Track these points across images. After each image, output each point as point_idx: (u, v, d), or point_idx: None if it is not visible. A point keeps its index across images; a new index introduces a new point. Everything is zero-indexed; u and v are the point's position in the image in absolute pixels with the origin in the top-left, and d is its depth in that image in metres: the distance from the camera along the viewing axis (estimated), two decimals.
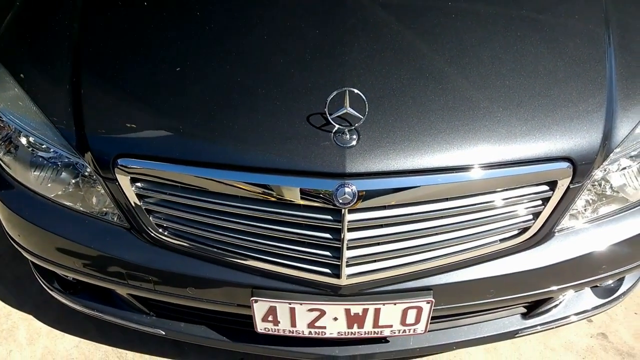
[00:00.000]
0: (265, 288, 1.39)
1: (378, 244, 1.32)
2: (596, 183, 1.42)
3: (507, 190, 1.29)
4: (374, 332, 1.45)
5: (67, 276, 1.70)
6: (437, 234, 1.33)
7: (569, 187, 1.31)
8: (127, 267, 1.44)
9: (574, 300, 1.66)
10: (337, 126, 1.23)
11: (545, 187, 1.31)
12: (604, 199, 1.44)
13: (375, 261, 1.34)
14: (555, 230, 1.41)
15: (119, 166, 1.31)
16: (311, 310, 1.39)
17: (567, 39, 1.46)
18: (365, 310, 1.39)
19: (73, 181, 1.45)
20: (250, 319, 1.45)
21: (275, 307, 1.39)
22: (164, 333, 1.63)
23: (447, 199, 1.28)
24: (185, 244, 1.40)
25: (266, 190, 1.25)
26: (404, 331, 1.45)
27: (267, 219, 1.30)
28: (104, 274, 1.48)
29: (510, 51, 1.41)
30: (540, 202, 1.33)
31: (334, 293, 1.38)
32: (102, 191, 1.42)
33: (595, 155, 1.32)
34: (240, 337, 1.60)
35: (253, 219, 1.31)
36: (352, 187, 1.22)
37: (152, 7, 1.54)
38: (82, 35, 1.51)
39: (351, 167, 1.22)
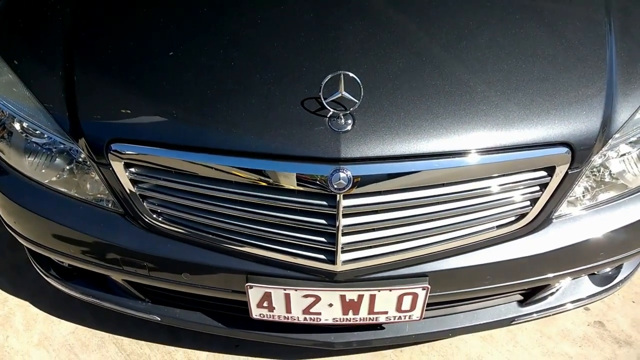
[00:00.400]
0: (260, 274, 1.38)
1: (373, 230, 1.31)
2: (595, 169, 1.41)
3: (504, 175, 1.28)
4: (370, 318, 1.44)
5: (63, 262, 1.70)
6: (433, 220, 1.31)
7: (567, 172, 1.30)
8: (122, 253, 1.44)
9: (571, 287, 1.65)
10: (332, 110, 1.21)
11: (543, 173, 1.30)
12: (602, 185, 1.43)
13: (370, 247, 1.33)
14: (553, 217, 1.40)
15: (112, 151, 1.30)
16: (306, 296, 1.38)
17: (566, 24, 1.44)
18: (361, 297, 1.38)
19: (67, 167, 1.44)
20: (245, 305, 1.44)
21: (270, 293, 1.38)
22: (159, 319, 1.63)
23: (443, 185, 1.26)
24: (179, 230, 1.39)
25: (260, 176, 1.24)
26: (400, 318, 1.45)
27: (262, 205, 1.29)
28: (99, 259, 1.48)
29: (508, 35, 1.39)
30: (537, 188, 1.32)
31: (329, 279, 1.37)
32: (97, 177, 1.41)
33: (594, 140, 1.30)
34: (235, 324, 1.60)
35: (247, 204, 1.30)
36: (347, 172, 1.20)
37: None
38: (75, 21, 1.50)
39: (346, 152, 1.20)
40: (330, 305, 1.41)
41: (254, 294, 1.39)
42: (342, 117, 1.22)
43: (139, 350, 1.83)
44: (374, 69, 1.29)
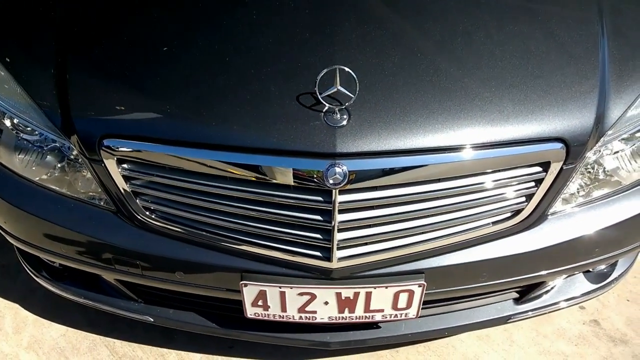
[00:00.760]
0: (255, 272, 1.37)
1: (369, 226, 1.30)
2: (589, 166, 1.41)
3: (499, 171, 1.28)
4: (366, 316, 1.43)
5: (54, 262, 1.67)
6: (429, 216, 1.31)
7: (562, 168, 1.30)
8: (114, 251, 1.42)
9: (567, 285, 1.65)
10: (327, 105, 1.21)
11: (538, 169, 1.30)
12: (597, 182, 1.43)
13: (366, 244, 1.33)
14: (548, 213, 1.40)
15: (104, 147, 1.29)
16: (301, 294, 1.37)
17: (560, 23, 1.44)
18: (357, 294, 1.37)
19: (59, 165, 1.42)
20: (240, 304, 1.43)
21: (265, 291, 1.37)
22: (152, 320, 1.61)
23: (439, 180, 1.26)
24: (173, 227, 1.37)
25: (254, 171, 1.23)
26: (396, 316, 1.43)
27: (256, 201, 1.28)
28: (91, 258, 1.46)
29: (502, 33, 1.39)
30: (533, 183, 1.32)
31: (325, 276, 1.36)
32: (88, 175, 1.39)
33: (588, 136, 1.30)
34: (230, 324, 1.58)
35: (242, 200, 1.29)
36: (342, 167, 1.20)
37: None
38: (67, 17, 1.48)
39: (342, 147, 1.20)
40: (326, 303, 1.39)
41: (249, 292, 1.37)
42: (337, 112, 1.21)
43: (132, 353, 1.80)
44: (369, 64, 1.28)
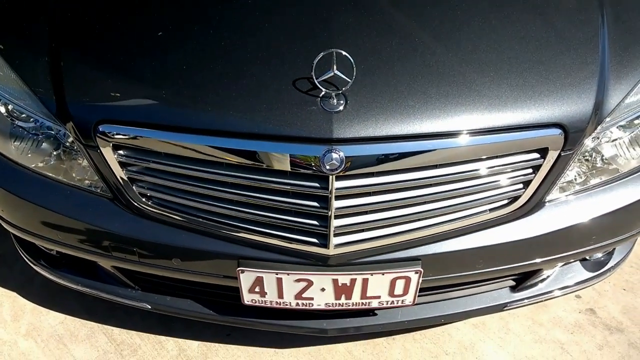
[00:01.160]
0: (251, 258, 1.36)
1: (366, 212, 1.30)
2: (587, 154, 1.41)
3: (497, 157, 1.27)
4: (362, 303, 1.43)
5: (51, 250, 1.67)
6: (426, 202, 1.30)
7: (560, 154, 1.30)
8: (111, 238, 1.41)
9: (564, 273, 1.65)
10: (324, 90, 1.20)
11: (536, 155, 1.29)
12: (594, 170, 1.43)
13: (363, 230, 1.32)
14: (546, 200, 1.40)
15: (100, 133, 1.28)
16: (298, 280, 1.37)
17: (560, 8, 1.43)
18: (353, 281, 1.37)
19: (55, 152, 1.41)
20: (237, 291, 1.43)
21: (262, 277, 1.37)
22: (149, 307, 1.61)
23: (436, 166, 1.25)
24: (169, 214, 1.37)
25: (251, 157, 1.22)
26: (392, 303, 1.44)
27: (253, 187, 1.27)
28: (88, 245, 1.45)
29: (501, 19, 1.38)
30: (530, 170, 1.32)
31: (322, 263, 1.36)
32: (85, 162, 1.38)
33: (586, 123, 1.30)
34: (227, 311, 1.58)
35: (238, 187, 1.28)
36: (339, 153, 1.19)
37: None
38: (60, 2, 1.47)
39: (338, 133, 1.19)
40: (323, 289, 1.40)
41: (246, 278, 1.37)
42: (334, 97, 1.21)
43: (129, 340, 1.81)
44: (366, 48, 1.27)
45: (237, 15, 1.36)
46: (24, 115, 1.40)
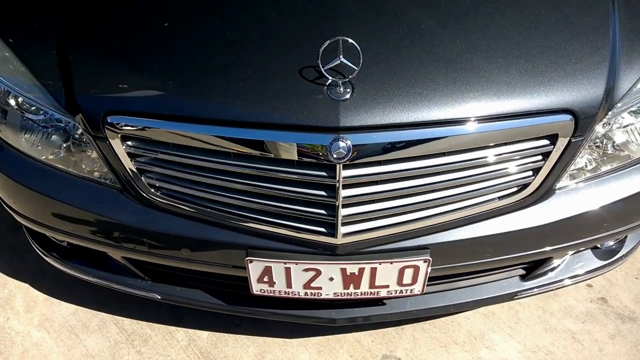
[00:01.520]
0: (260, 248, 1.37)
1: (374, 201, 1.29)
2: (598, 140, 1.39)
3: (506, 144, 1.26)
4: (371, 292, 1.43)
5: (62, 242, 1.69)
6: (434, 190, 1.30)
7: (570, 141, 1.28)
8: (121, 229, 1.42)
9: (574, 262, 1.64)
10: (330, 79, 1.19)
11: (546, 142, 1.28)
12: (606, 157, 1.41)
13: (371, 219, 1.32)
14: (556, 188, 1.39)
15: (108, 124, 1.28)
16: (307, 270, 1.37)
17: None
18: (362, 270, 1.37)
19: (64, 144, 1.43)
20: (246, 282, 1.43)
21: (270, 267, 1.37)
22: (159, 297, 1.62)
23: (444, 154, 1.25)
24: (178, 205, 1.37)
25: (258, 146, 1.22)
26: (401, 292, 1.43)
27: (260, 177, 1.28)
28: (98, 236, 1.47)
29: (509, 2, 1.37)
30: (540, 157, 1.30)
31: (330, 252, 1.36)
32: (94, 154, 1.39)
33: (597, 109, 1.28)
34: (236, 301, 1.59)
35: (246, 176, 1.28)
36: (346, 142, 1.19)
37: None
38: None
39: (345, 121, 1.19)
40: (331, 279, 1.40)
41: (254, 268, 1.38)
42: (340, 85, 1.20)
43: (140, 330, 1.83)
44: (373, 36, 1.26)
45: (243, 4, 1.36)
46: (33, 108, 1.41)
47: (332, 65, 1.19)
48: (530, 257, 1.46)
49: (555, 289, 1.65)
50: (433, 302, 1.57)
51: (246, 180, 1.29)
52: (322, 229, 1.32)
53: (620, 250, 1.66)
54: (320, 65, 1.19)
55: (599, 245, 1.65)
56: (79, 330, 1.83)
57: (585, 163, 1.40)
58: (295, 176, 1.25)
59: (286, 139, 1.21)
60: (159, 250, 1.45)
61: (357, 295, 1.44)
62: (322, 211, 1.30)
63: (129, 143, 1.31)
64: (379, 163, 1.23)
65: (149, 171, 1.35)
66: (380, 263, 1.35)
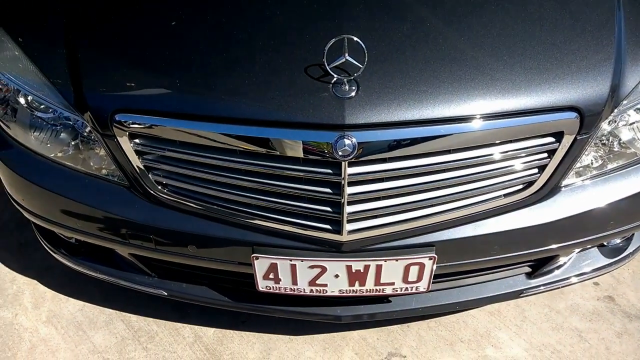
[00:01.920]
0: (266, 245, 1.38)
1: (379, 198, 1.30)
2: (604, 138, 1.39)
3: (512, 142, 1.26)
4: (376, 289, 1.44)
5: (70, 238, 1.71)
6: (439, 188, 1.30)
7: (575, 138, 1.28)
8: (128, 225, 1.44)
9: (581, 260, 1.63)
10: (335, 77, 1.20)
11: (552, 139, 1.28)
12: (612, 154, 1.41)
13: (376, 217, 1.32)
14: (562, 185, 1.39)
15: (116, 122, 1.30)
16: (312, 267, 1.38)
17: None
18: (367, 267, 1.37)
19: (73, 142, 1.44)
20: (252, 278, 1.44)
21: (276, 264, 1.38)
22: (166, 294, 1.63)
23: (449, 152, 1.25)
24: (185, 202, 1.38)
25: (264, 144, 1.23)
26: (406, 289, 1.44)
27: (266, 174, 1.28)
28: (105, 233, 1.48)
29: (514, 1, 1.36)
30: (545, 154, 1.30)
31: (335, 249, 1.36)
32: (102, 152, 1.41)
33: (603, 106, 1.28)
34: (242, 298, 1.60)
35: (252, 174, 1.29)
36: (351, 139, 1.19)
37: None
38: None
39: (350, 118, 1.19)
40: (337, 276, 1.40)
41: (260, 265, 1.39)
42: (346, 83, 1.21)
43: (147, 327, 1.84)
44: (378, 34, 1.27)
45: (249, 3, 1.37)
46: (42, 106, 1.43)
47: (338, 63, 1.19)
48: (536, 254, 1.46)
49: (562, 287, 1.65)
50: (439, 299, 1.57)
51: (252, 178, 1.30)
52: (328, 226, 1.33)
53: (627, 248, 1.66)
54: (326, 63, 1.19)
55: (605, 243, 1.64)
56: (86, 327, 1.85)
57: (591, 160, 1.40)
58: (301, 173, 1.26)
59: (292, 137, 1.22)
60: (165, 247, 1.46)
61: (363, 292, 1.45)
62: (328, 208, 1.30)
63: (137, 141, 1.32)
64: (384, 160, 1.24)
65: (156, 168, 1.36)
66: (385, 260, 1.36)
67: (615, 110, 1.32)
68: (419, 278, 1.40)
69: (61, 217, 1.52)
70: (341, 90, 1.21)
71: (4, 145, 1.53)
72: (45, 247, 1.76)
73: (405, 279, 1.41)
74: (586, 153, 1.36)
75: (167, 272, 1.64)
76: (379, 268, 1.38)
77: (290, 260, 1.37)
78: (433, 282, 1.43)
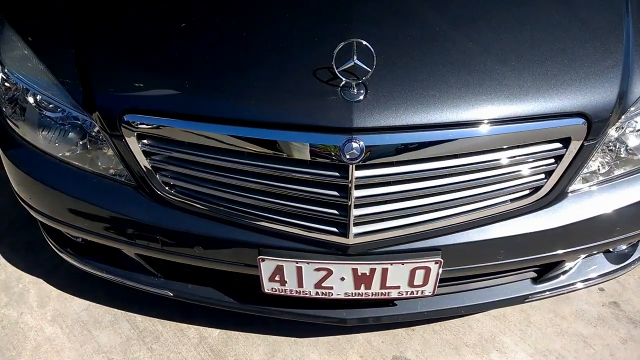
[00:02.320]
0: (272, 247, 1.38)
1: (386, 202, 1.30)
2: (611, 144, 1.39)
3: (519, 147, 1.27)
4: (382, 293, 1.44)
5: (77, 238, 1.72)
6: (446, 192, 1.30)
7: (582, 144, 1.28)
8: (135, 226, 1.44)
9: (586, 265, 1.63)
10: (344, 80, 1.21)
11: (559, 145, 1.28)
12: (619, 160, 1.41)
13: (383, 220, 1.33)
14: (568, 191, 1.39)
15: (125, 122, 1.30)
16: (318, 269, 1.38)
17: None
18: (373, 270, 1.38)
19: (81, 142, 1.45)
20: (257, 280, 1.45)
21: (282, 266, 1.38)
22: (171, 294, 1.64)
23: (457, 156, 1.25)
24: (192, 203, 1.39)
25: (271, 146, 1.24)
26: (412, 293, 1.44)
27: (273, 176, 1.29)
28: (112, 233, 1.49)
29: (523, 7, 1.37)
30: (552, 160, 1.30)
31: (342, 252, 1.37)
32: (110, 152, 1.42)
33: (610, 112, 1.28)
34: (247, 299, 1.60)
35: (259, 176, 1.30)
36: (359, 142, 1.20)
37: None
38: None
39: (358, 122, 1.20)
40: (342, 279, 1.40)
41: (266, 267, 1.39)
42: (354, 86, 1.21)
43: (152, 327, 1.85)
44: (387, 38, 1.27)
45: (258, 5, 1.38)
46: (51, 106, 1.44)
47: (346, 67, 1.20)
48: (542, 260, 1.46)
49: (567, 292, 1.64)
50: (444, 303, 1.57)
51: (259, 180, 1.30)
52: (334, 229, 1.33)
53: (632, 254, 1.65)
54: (335, 67, 1.20)
55: (611, 249, 1.64)
56: (91, 326, 1.86)
57: (598, 166, 1.40)
58: (308, 176, 1.26)
59: (299, 139, 1.22)
60: (172, 248, 1.46)
61: (368, 295, 1.45)
62: (335, 211, 1.31)
63: (145, 141, 1.33)
64: (392, 164, 1.24)
65: (164, 169, 1.37)
66: (391, 264, 1.36)
67: (623, 117, 1.32)
68: (425, 282, 1.41)
69: (68, 216, 1.53)
70: (349, 93, 1.21)
71: (12, 144, 1.54)
72: (52, 246, 1.77)
73: (411, 283, 1.41)
74: (593, 159, 1.37)
75: (172, 273, 1.64)
76: (385, 271, 1.38)
77: (297, 263, 1.37)
78: (439, 286, 1.43)
